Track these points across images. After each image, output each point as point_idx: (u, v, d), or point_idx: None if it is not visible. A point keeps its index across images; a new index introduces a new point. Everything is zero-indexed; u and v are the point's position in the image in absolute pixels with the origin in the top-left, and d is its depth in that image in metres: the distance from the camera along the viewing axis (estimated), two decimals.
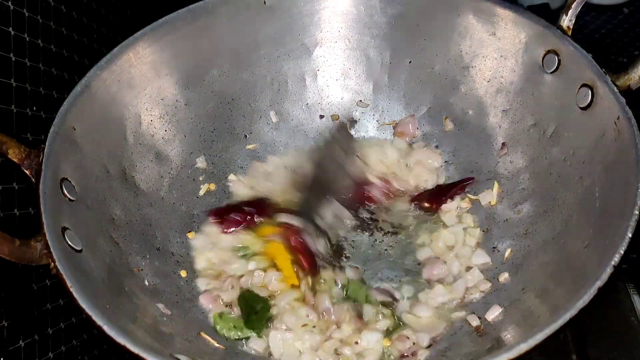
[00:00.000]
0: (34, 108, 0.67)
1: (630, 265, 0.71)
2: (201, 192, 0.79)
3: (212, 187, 0.81)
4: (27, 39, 0.67)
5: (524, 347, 0.47)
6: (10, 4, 0.64)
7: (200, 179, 0.80)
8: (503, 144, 0.76)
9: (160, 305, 0.65)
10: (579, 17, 0.67)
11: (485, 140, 0.78)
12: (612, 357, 0.67)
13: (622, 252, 0.50)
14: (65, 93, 0.64)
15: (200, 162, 0.80)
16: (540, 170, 0.71)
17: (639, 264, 0.72)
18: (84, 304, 0.50)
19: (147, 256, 0.68)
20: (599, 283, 0.49)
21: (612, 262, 0.50)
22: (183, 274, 0.71)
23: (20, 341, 0.62)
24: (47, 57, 0.70)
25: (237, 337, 0.66)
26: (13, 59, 0.64)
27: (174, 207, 0.76)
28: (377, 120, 0.86)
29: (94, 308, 0.50)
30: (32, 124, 0.67)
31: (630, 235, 0.51)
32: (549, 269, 0.63)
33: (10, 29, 0.64)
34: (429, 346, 0.64)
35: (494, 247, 0.72)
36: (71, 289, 0.51)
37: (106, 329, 0.49)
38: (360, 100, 0.86)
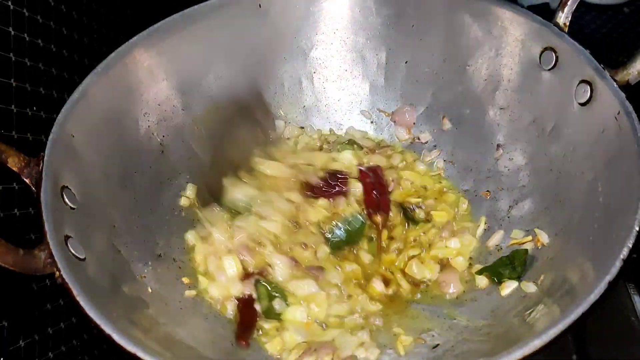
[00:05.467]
0: (34, 108, 0.67)
1: (630, 265, 0.72)
2: None
3: None
4: (27, 39, 0.66)
5: (538, 343, 0.47)
6: (10, 4, 0.63)
7: None
8: (498, 145, 0.77)
9: (165, 311, 0.64)
10: (579, 17, 0.67)
11: (484, 139, 0.78)
12: (612, 357, 0.67)
13: (631, 245, 0.50)
14: (66, 93, 0.64)
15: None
16: (540, 167, 0.71)
17: (639, 264, 0.72)
18: (91, 313, 0.50)
19: (149, 263, 0.67)
20: (609, 277, 0.49)
21: (621, 256, 0.50)
22: (185, 280, 0.70)
23: (20, 341, 0.62)
24: (47, 57, 0.70)
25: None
26: (13, 59, 0.64)
27: (173, 213, 0.75)
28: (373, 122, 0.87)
29: (102, 317, 0.50)
30: (32, 124, 0.67)
31: (637, 228, 0.51)
32: (554, 265, 0.63)
33: (10, 29, 0.63)
34: None
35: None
36: (78, 298, 0.50)
37: (115, 337, 0.49)
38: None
